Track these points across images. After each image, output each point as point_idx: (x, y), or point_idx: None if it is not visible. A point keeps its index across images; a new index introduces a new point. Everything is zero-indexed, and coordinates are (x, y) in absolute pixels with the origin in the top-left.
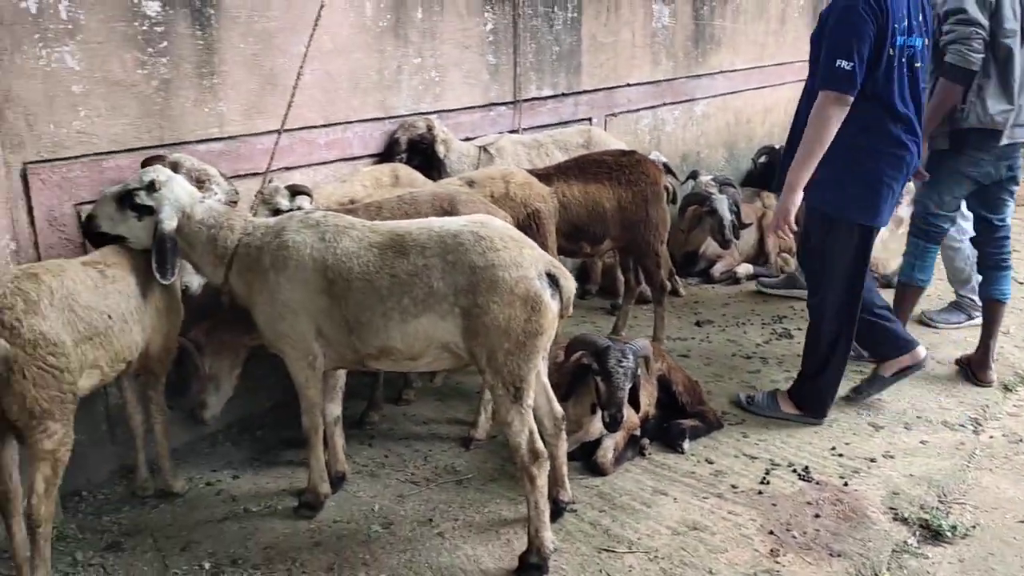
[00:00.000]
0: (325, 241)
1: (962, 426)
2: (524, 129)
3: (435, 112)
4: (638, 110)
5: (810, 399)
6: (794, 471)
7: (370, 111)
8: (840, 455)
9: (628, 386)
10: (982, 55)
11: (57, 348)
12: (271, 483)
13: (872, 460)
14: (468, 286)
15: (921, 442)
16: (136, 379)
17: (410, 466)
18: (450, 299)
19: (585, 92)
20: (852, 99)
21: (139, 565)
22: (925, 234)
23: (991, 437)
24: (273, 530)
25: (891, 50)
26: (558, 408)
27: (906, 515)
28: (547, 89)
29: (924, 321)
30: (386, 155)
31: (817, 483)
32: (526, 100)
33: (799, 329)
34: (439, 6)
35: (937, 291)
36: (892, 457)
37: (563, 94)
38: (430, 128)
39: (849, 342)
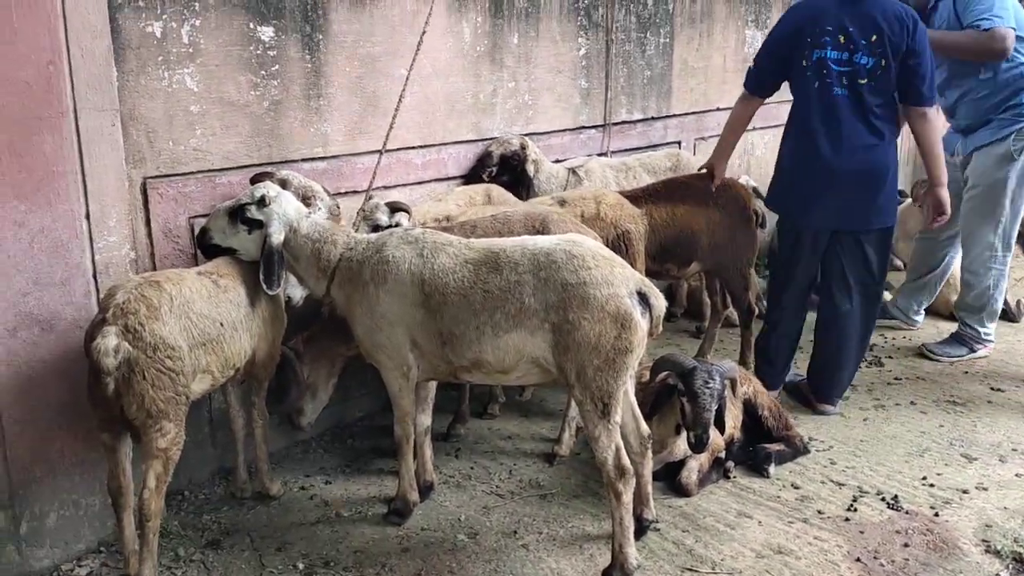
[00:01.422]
0: (423, 257)
1: None
2: (613, 152)
3: (527, 134)
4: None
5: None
6: (883, 499)
7: (465, 133)
8: (931, 485)
9: (714, 408)
10: None
11: (174, 352)
12: (361, 489)
13: (964, 492)
14: (559, 303)
15: (1016, 475)
16: (240, 385)
17: (495, 479)
18: (541, 315)
19: (675, 116)
20: (753, 96)
21: (237, 563)
22: None
23: None
24: (363, 535)
25: (804, 62)
26: (644, 427)
27: (999, 548)
28: (637, 113)
29: (924, 353)
30: (477, 167)
31: (907, 512)
32: (616, 124)
33: (890, 358)
34: (534, 32)
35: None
36: (985, 489)
37: (653, 118)
38: (523, 146)
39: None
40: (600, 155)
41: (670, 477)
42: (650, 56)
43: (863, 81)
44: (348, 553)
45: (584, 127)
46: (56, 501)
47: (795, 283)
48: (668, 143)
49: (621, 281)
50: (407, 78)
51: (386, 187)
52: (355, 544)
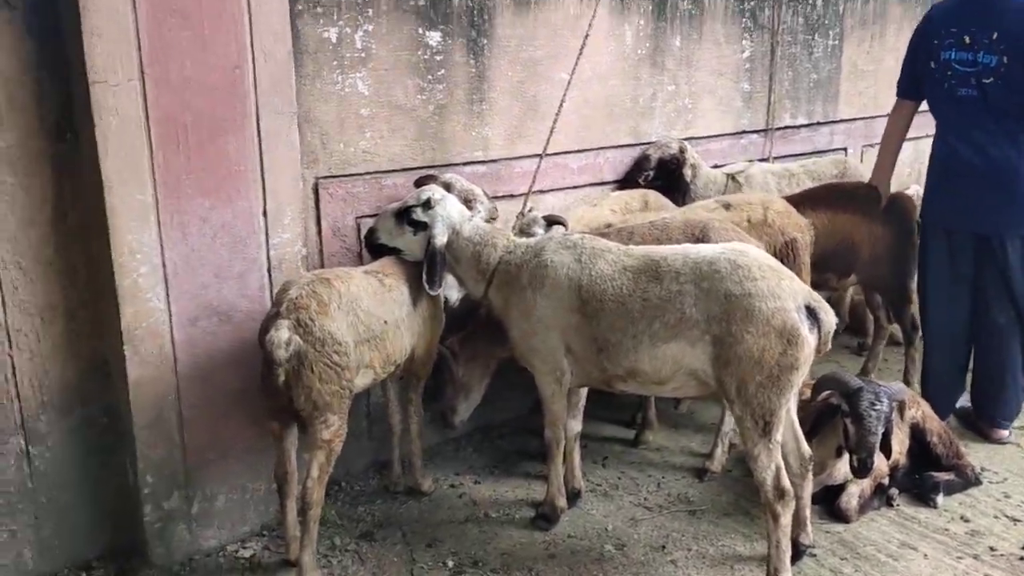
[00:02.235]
0: (581, 263)
1: None
2: (775, 158)
3: (685, 139)
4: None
5: None
6: None
7: (622, 137)
8: None
9: (880, 431)
10: None
11: (341, 347)
12: (509, 492)
13: None
14: (722, 314)
15: None
16: (399, 381)
17: (643, 491)
18: (702, 326)
19: (842, 121)
20: (903, 101)
21: (389, 556)
22: None
23: None
24: (511, 537)
25: (932, 64)
26: (806, 448)
27: None
28: (801, 117)
29: None
30: (633, 171)
31: None
32: (779, 128)
33: None
34: (697, 34)
35: None
36: None
37: (818, 123)
38: (682, 150)
39: None
40: (761, 160)
41: (829, 501)
42: (817, 58)
43: (988, 80)
44: (496, 554)
45: (745, 131)
46: (226, 484)
47: (943, 292)
48: (834, 149)
49: (789, 294)
50: (569, 82)
51: (542, 191)
52: (502, 546)
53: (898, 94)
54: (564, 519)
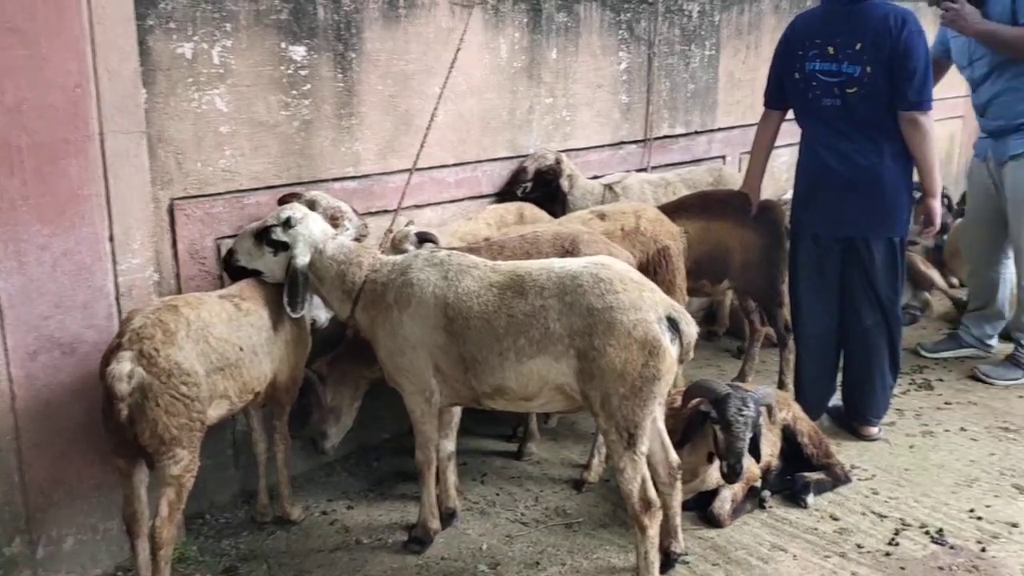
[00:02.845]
0: (447, 279)
1: None
2: (654, 167)
3: (565, 151)
4: (775, 148)
5: None
6: (927, 533)
7: (500, 150)
8: (979, 518)
9: (748, 436)
10: None
11: (190, 378)
12: (384, 515)
13: (1014, 525)
14: (585, 328)
15: None
16: (262, 408)
17: (520, 506)
18: (566, 341)
19: (720, 130)
20: (770, 111)
21: None
22: None
23: None
24: (382, 563)
25: (797, 75)
26: (674, 456)
27: None
28: (680, 127)
29: (977, 376)
30: (511, 182)
31: (951, 547)
32: (657, 138)
33: (941, 380)
34: (574, 47)
35: None
36: None
37: (696, 132)
38: (559, 161)
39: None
40: (640, 171)
41: (702, 507)
42: (694, 69)
43: (852, 90)
44: None
45: (624, 142)
46: (74, 525)
47: (813, 296)
48: (712, 158)
49: (650, 306)
50: (440, 96)
51: (418, 206)
52: (373, 573)
53: (765, 104)
54: (439, 540)
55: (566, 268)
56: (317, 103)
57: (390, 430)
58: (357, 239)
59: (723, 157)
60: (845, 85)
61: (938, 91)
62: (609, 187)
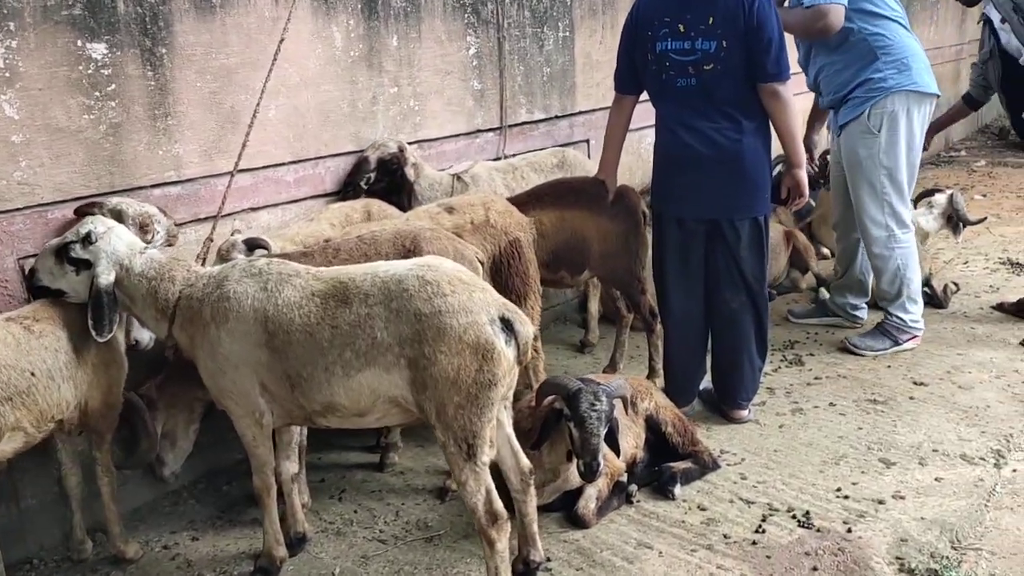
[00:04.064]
0: (267, 291)
1: (983, 459)
2: (516, 154)
3: (416, 142)
4: (640, 128)
5: None
6: (793, 517)
7: (343, 145)
8: (846, 497)
9: (603, 431)
10: None
11: None
12: (231, 545)
13: (880, 502)
14: (414, 335)
15: (936, 479)
16: (78, 436)
17: (380, 522)
18: (395, 350)
19: (580, 113)
20: (623, 96)
21: None
22: None
23: (1014, 471)
24: None
25: (648, 56)
26: (525, 461)
27: (913, 566)
28: (539, 112)
29: (846, 347)
30: (353, 174)
31: (818, 530)
32: (516, 125)
33: (811, 355)
34: (416, 33)
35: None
36: (903, 498)
37: (556, 117)
38: (401, 149)
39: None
40: (496, 159)
41: (567, 507)
42: (549, 52)
43: (708, 67)
44: None
45: (480, 130)
46: None
47: (679, 280)
48: (576, 142)
49: (481, 307)
50: (263, 90)
51: (254, 209)
52: None
53: (616, 89)
54: (287, 569)
55: (391, 272)
56: (126, 104)
57: (241, 451)
58: (169, 243)
59: (587, 141)
60: (701, 63)
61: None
62: (458, 176)
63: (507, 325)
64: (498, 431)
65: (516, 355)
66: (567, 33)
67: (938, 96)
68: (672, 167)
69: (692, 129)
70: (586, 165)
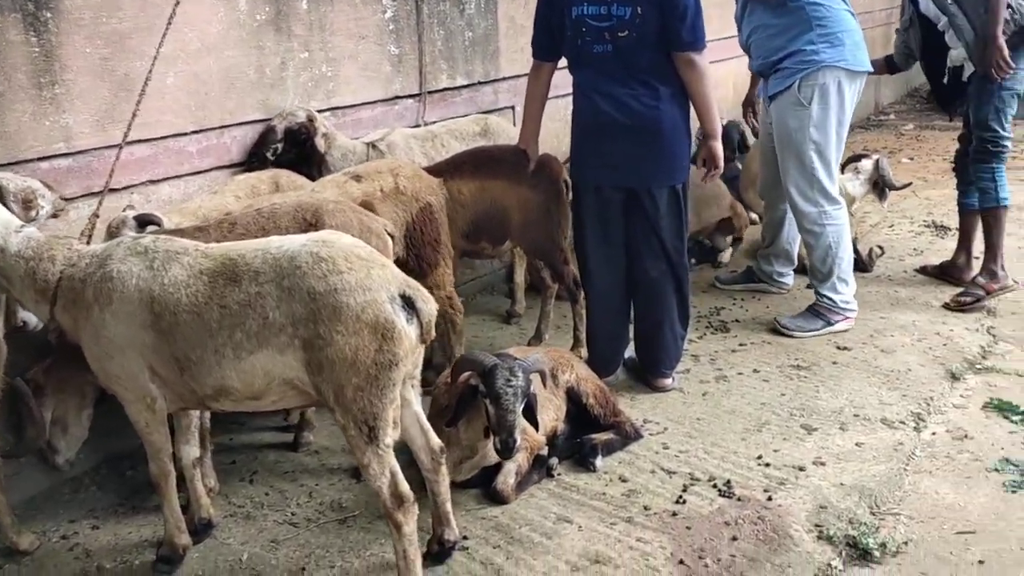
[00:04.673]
0: (153, 270)
1: (903, 423)
2: (436, 122)
3: (329, 109)
4: (567, 95)
5: None
6: (714, 486)
7: (250, 113)
8: (767, 464)
9: (519, 407)
10: None
11: None
12: (133, 532)
13: (801, 469)
14: (308, 315)
15: (856, 444)
16: None
17: (292, 504)
18: (288, 331)
19: (505, 79)
20: (540, 62)
21: None
22: (997, 156)
23: (933, 434)
24: None
25: (565, 21)
26: (435, 440)
27: (832, 532)
28: (461, 78)
29: (777, 328)
30: (259, 145)
31: (738, 499)
32: (437, 91)
33: (737, 322)
34: None
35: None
36: (823, 464)
37: (479, 82)
38: (311, 119)
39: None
40: (416, 126)
41: (487, 483)
42: (471, 15)
43: (623, 34)
44: None
45: (399, 97)
46: None
47: (599, 249)
48: (500, 108)
49: (380, 284)
50: (156, 56)
51: (153, 181)
52: None
53: (534, 55)
54: (193, 555)
55: (284, 248)
56: (7, 72)
57: None
58: (55, 215)
59: (512, 107)
60: (616, 29)
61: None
62: (373, 145)
63: (408, 303)
64: (405, 410)
65: (419, 334)
66: None
67: (870, 72)
68: (589, 135)
69: (609, 96)
70: (510, 132)
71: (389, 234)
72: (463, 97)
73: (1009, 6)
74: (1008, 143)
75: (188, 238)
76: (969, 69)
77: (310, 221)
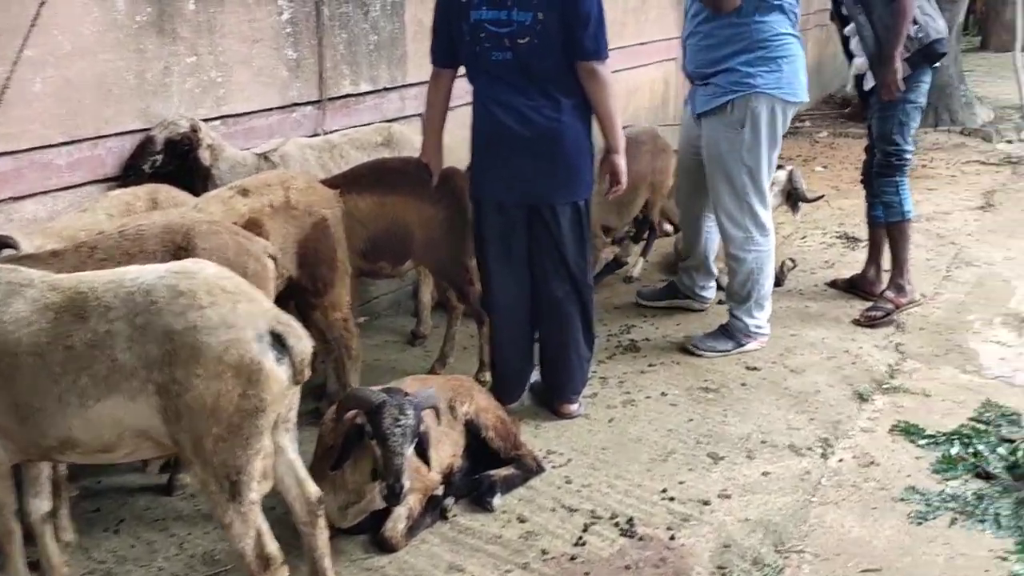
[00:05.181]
0: None
1: (810, 449)
2: (337, 130)
3: (219, 118)
4: None
5: None
6: (616, 524)
7: (129, 122)
8: (671, 499)
9: (408, 448)
10: None
11: None
12: None
13: (706, 503)
14: (163, 356)
15: (763, 474)
16: None
17: (159, 558)
18: (141, 374)
19: (413, 85)
20: (440, 69)
21: None
22: (900, 170)
23: (840, 461)
24: None
25: (463, 25)
26: (312, 490)
27: (736, 575)
28: (365, 84)
29: (687, 348)
30: (136, 157)
31: (640, 539)
32: (339, 98)
33: (647, 340)
34: None
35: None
36: (728, 497)
37: (385, 88)
38: (195, 128)
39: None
40: (315, 135)
41: (376, 529)
42: (375, 18)
43: (523, 41)
44: None
45: (297, 104)
46: None
47: (502, 268)
48: (408, 116)
49: (246, 321)
50: (16, 60)
51: (15, 198)
52: None
53: (433, 62)
54: None
55: (139, 280)
56: None
57: None
58: None
59: (420, 115)
60: (516, 35)
61: (651, 32)
62: (265, 156)
63: (279, 340)
64: (279, 458)
65: (291, 375)
66: None
67: (805, 102)
68: (487, 148)
69: (507, 107)
70: (415, 142)
71: (272, 256)
72: (368, 104)
73: (915, 22)
74: (911, 156)
75: (40, 265)
76: (871, 80)
77: (180, 244)
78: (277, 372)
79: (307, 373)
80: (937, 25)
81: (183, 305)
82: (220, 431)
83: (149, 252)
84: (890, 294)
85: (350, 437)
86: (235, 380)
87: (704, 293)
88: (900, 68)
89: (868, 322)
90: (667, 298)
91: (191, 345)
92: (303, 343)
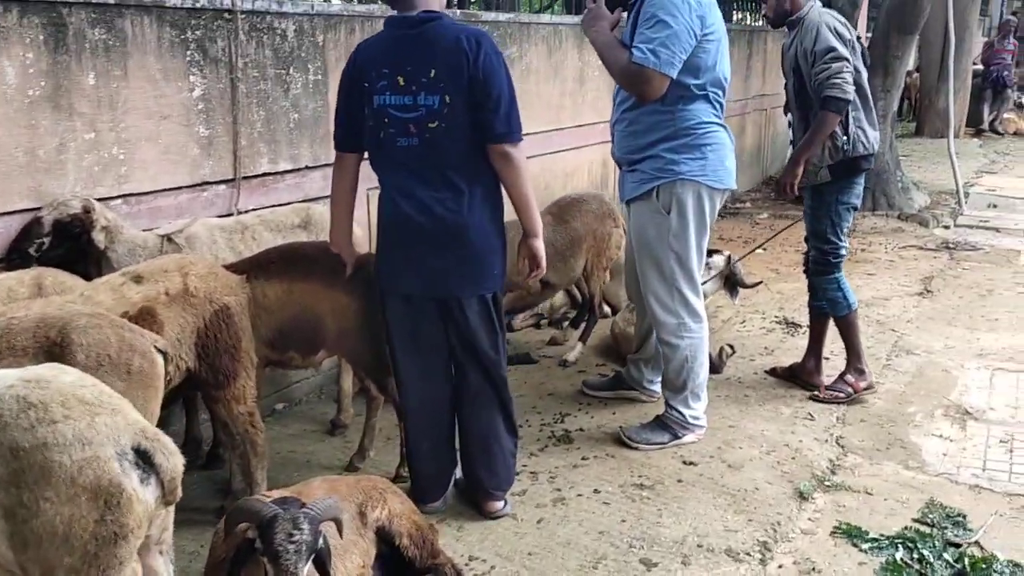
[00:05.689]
0: None
1: (748, 555)
2: (253, 210)
3: (121, 196)
4: None
5: None
6: None
7: (17, 201)
8: None
9: (304, 567)
10: (853, 87)
11: None
12: None
13: None
14: (10, 476)
15: None
16: None
17: None
18: None
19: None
20: (344, 154)
21: None
22: (836, 267)
23: (780, 567)
24: None
25: (366, 110)
26: None
27: None
28: (284, 162)
29: (622, 440)
30: (20, 240)
31: None
32: (256, 176)
33: (581, 431)
34: (121, 70)
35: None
36: None
37: (307, 167)
38: (88, 209)
39: None
40: (229, 215)
41: None
42: (297, 96)
43: (433, 125)
44: None
45: (208, 183)
46: None
47: (412, 361)
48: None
49: (106, 437)
50: None
51: None
52: None
53: (336, 147)
54: None
55: None
56: None
57: None
58: None
59: None
60: (424, 120)
61: (588, 115)
62: (169, 238)
63: (144, 458)
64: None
65: (158, 495)
66: (319, 76)
67: (733, 190)
68: (393, 240)
69: (412, 198)
70: None
71: (161, 351)
72: (287, 183)
73: (846, 132)
74: (845, 251)
75: None
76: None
77: (55, 340)
78: (141, 494)
79: (179, 493)
80: (867, 140)
81: (33, 419)
82: (73, 561)
83: (19, 349)
84: (850, 378)
85: (241, 552)
86: (91, 504)
87: (652, 387)
88: (799, 174)
89: (827, 399)
90: (613, 389)
91: (40, 464)
92: (173, 459)
